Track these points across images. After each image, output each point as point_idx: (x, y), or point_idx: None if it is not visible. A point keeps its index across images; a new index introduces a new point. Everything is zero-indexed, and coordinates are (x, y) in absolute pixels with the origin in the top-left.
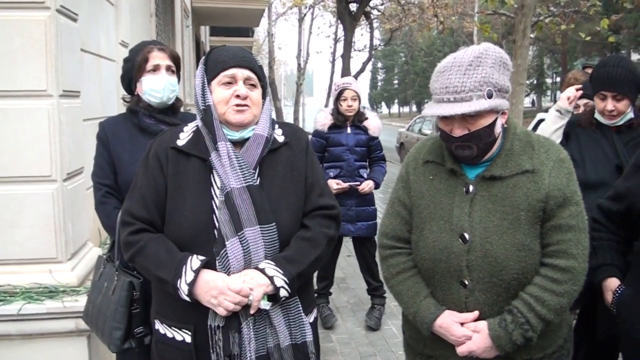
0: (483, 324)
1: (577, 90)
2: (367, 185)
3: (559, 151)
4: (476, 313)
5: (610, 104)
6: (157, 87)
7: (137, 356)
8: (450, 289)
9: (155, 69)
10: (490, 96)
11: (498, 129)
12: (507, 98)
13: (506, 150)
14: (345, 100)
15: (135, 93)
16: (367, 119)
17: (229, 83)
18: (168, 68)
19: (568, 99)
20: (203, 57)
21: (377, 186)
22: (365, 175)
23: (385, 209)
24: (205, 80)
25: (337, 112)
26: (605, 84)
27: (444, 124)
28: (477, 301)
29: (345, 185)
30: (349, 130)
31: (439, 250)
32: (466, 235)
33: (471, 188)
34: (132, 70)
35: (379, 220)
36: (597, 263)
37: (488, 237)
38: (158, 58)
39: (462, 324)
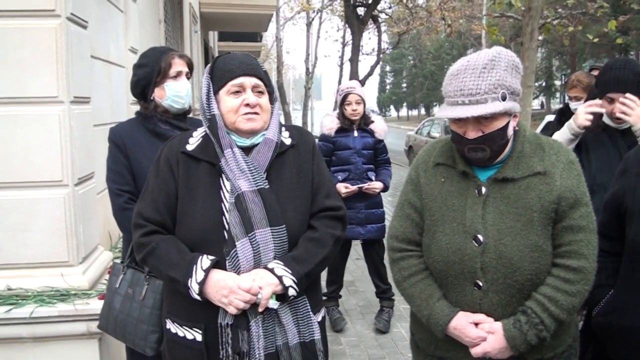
0: (498, 325)
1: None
2: (372, 185)
3: (568, 153)
4: (491, 319)
5: (618, 107)
6: (181, 93)
7: (147, 359)
8: (464, 290)
9: (178, 75)
10: (504, 99)
11: (510, 131)
12: (517, 101)
13: (517, 153)
14: (349, 104)
15: (151, 98)
16: (373, 122)
17: (238, 92)
18: (187, 75)
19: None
20: (208, 66)
21: (386, 188)
22: (373, 178)
23: (394, 212)
24: (211, 90)
25: (342, 116)
26: (613, 86)
27: (457, 126)
28: (491, 302)
29: (354, 188)
30: (355, 133)
31: (452, 252)
32: (480, 237)
33: (483, 190)
34: (151, 75)
35: (387, 223)
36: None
37: (502, 239)
38: (180, 65)
39: (476, 324)
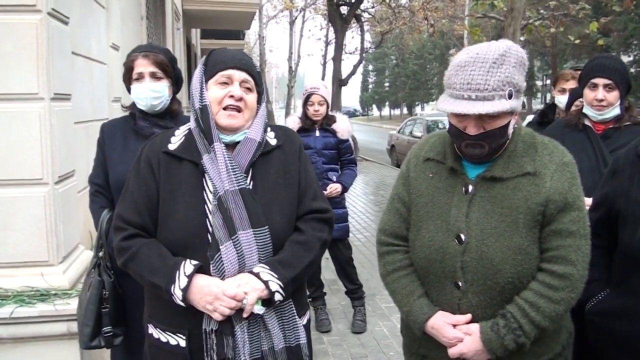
0: (475, 327)
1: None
2: (332, 189)
3: (563, 154)
4: (469, 316)
5: (600, 93)
6: (140, 96)
7: None
8: (444, 289)
9: (139, 77)
10: (510, 96)
11: (511, 129)
12: (520, 98)
13: (509, 152)
14: (312, 104)
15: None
16: (335, 122)
17: (225, 83)
18: (152, 75)
19: None
20: (204, 57)
21: (345, 189)
22: (334, 179)
23: (385, 205)
24: (204, 80)
25: (305, 116)
26: (597, 70)
27: (457, 120)
28: (470, 304)
29: None
30: (317, 133)
31: (434, 250)
32: (462, 236)
33: (470, 188)
34: (125, 76)
35: (351, 221)
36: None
37: (484, 239)
38: (141, 66)
39: (454, 325)
